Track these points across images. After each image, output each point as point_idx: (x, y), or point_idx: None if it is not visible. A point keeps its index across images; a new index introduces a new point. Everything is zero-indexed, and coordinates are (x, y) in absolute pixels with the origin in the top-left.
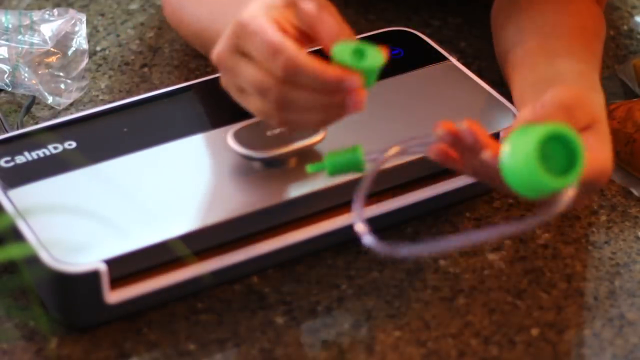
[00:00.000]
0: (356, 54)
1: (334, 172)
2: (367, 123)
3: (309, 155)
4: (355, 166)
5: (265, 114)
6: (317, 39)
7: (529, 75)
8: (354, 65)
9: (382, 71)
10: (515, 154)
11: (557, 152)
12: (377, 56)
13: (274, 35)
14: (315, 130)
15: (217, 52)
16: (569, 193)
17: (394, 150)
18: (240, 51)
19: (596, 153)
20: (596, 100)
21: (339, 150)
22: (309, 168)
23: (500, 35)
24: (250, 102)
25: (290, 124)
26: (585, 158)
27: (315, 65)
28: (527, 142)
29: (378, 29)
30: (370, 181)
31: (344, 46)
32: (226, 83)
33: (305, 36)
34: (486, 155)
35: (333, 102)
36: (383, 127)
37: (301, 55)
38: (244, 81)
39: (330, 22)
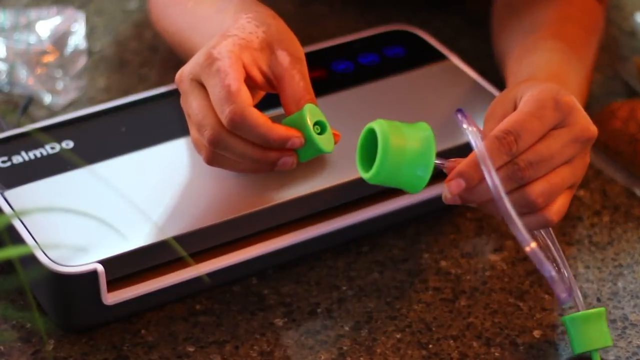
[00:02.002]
0: (316, 125)
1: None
2: (368, 122)
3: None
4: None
5: (197, 146)
6: (280, 93)
7: (509, 77)
8: (309, 135)
9: (383, 71)
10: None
11: (375, 148)
12: (330, 140)
13: (233, 82)
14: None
15: (180, 73)
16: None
17: None
18: (198, 81)
19: (583, 157)
20: (569, 90)
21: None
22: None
23: (496, 36)
24: (190, 129)
25: (216, 163)
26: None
27: (261, 121)
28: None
29: (378, 28)
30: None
31: (312, 111)
32: (181, 102)
33: (270, 84)
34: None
35: (265, 157)
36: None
37: (250, 110)
38: (189, 109)
39: (297, 83)
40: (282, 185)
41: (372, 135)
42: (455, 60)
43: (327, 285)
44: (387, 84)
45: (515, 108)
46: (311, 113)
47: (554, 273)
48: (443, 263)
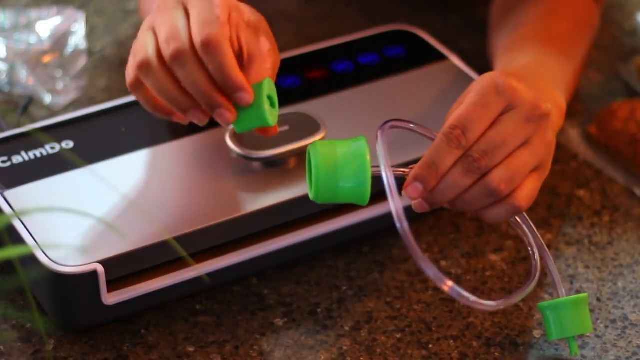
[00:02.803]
0: (268, 99)
1: (242, 127)
2: (368, 122)
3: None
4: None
5: (130, 67)
6: (245, 70)
7: None
8: (259, 101)
9: (383, 71)
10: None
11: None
12: (274, 116)
13: (222, 14)
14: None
15: None
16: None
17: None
18: (184, 4)
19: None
20: (547, 81)
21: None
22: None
23: (489, 35)
24: (135, 47)
25: (138, 90)
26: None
27: (232, 56)
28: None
29: (378, 28)
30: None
31: (269, 85)
32: (148, 21)
33: (237, 56)
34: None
35: (210, 94)
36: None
37: (227, 41)
38: (161, 24)
39: (266, 70)
40: (282, 185)
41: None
42: (455, 60)
43: (327, 285)
44: (387, 84)
45: None
46: (268, 86)
47: (472, 299)
48: (443, 263)
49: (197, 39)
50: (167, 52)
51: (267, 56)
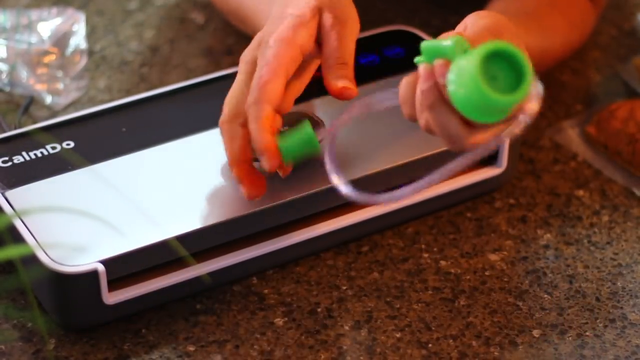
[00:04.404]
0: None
1: (291, 158)
2: (368, 122)
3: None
4: (310, 145)
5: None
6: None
7: None
8: (283, 145)
9: (382, 71)
10: (460, 77)
11: (503, 71)
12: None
13: (266, 75)
14: None
15: (243, 54)
16: (530, 106)
17: (355, 109)
18: (253, 63)
19: None
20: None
21: (288, 133)
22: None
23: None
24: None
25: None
26: None
27: (260, 120)
28: (470, 63)
29: (377, 28)
30: (341, 124)
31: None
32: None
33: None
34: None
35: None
36: (384, 127)
37: (259, 106)
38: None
39: (332, 44)
40: (282, 185)
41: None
42: None
43: (327, 285)
44: (387, 84)
45: None
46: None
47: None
48: (443, 263)
49: (250, 100)
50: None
51: (330, 29)
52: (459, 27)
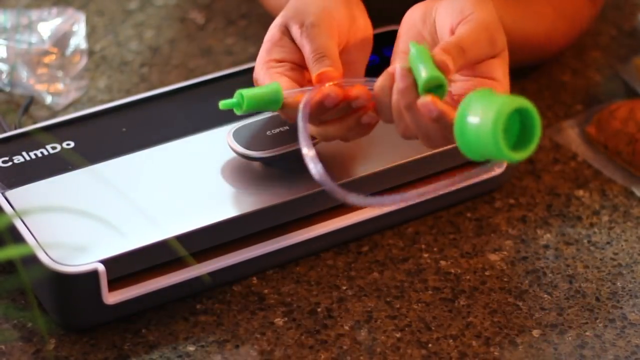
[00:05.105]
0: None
1: (250, 107)
2: None
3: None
4: (273, 102)
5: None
6: None
7: None
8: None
9: (383, 71)
10: (480, 127)
11: (514, 123)
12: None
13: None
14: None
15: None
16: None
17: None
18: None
19: (506, 81)
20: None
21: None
22: (221, 105)
23: None
24: None
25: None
26: (505, 81)
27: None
28: (491, 116)
29: (378, 29)
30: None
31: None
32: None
33: None
34: (443, 119)
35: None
36: (383, 127)
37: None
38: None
39: (305, 50)
40: (282, 185)
41: None
42: None
43: (327, 285)
44: None
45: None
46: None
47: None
48: (442, 263)
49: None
50: None
51: (300, 38)
52: (458, 23)
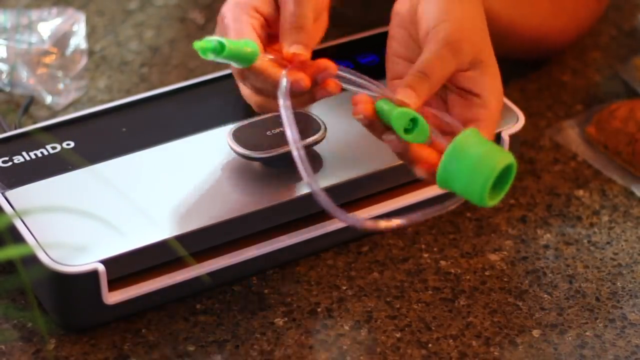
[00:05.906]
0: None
1: (226, 57)
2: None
3: (308, 155)
4: (246, 61)
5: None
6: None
7: None
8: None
9: (383, 71)
10: (470, 179)
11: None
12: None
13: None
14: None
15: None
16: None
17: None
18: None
19: (497, 93)
20: (480, 32)
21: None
22: (196, 45)
23: None
24: None
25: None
26: (490, 98)
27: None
28: (483, 173)
29: (378, 29)
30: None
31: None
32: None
33: None
34: (420, 172)
35: None
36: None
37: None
38: None
39: (288, 9)
40: (282, 185)
41: None
42: None
43: (327, 285)
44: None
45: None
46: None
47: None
48: (442, 263)
49: None
50: None
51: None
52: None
